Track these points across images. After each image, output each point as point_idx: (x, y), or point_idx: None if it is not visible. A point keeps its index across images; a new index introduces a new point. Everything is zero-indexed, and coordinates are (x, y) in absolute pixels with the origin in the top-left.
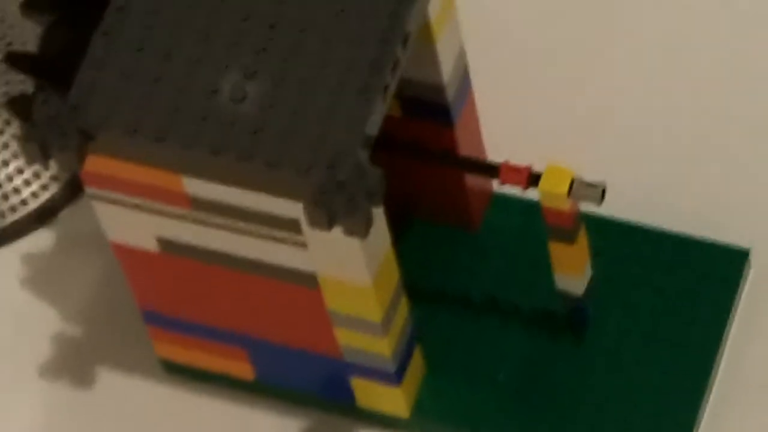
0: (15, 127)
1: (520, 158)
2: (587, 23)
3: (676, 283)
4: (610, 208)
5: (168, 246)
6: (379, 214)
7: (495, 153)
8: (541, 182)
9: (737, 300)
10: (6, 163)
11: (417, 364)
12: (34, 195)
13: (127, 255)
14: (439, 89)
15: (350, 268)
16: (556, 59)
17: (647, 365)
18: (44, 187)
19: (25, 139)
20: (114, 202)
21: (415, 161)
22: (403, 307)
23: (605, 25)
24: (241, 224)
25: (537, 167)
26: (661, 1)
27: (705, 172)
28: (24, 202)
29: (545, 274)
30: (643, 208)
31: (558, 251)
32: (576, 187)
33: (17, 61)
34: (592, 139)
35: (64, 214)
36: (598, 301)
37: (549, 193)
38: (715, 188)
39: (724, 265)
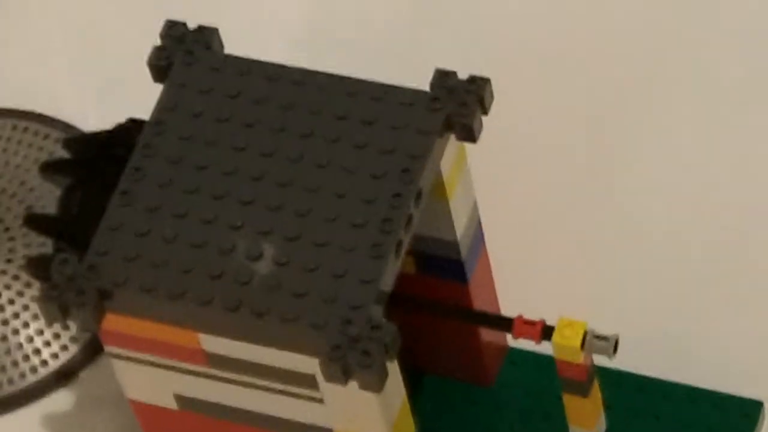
0: (35, 289)
1: (529, 308)
2: (596, 178)
3: None
4: (622, 361)
5: (186, 403)
6: (393, 368)
7: (505, 303)
8: (554, 335)
9: None
10: (26, 324)
11: None
12: (54, 356)
13: (146, 413)
14: (452, 245)
15: (366, 423)
16: (565, 211)
17: None
18: (64, 348)
19: (44, 300)
20: (132, 359)
21: (429, 316)
22: None
23: (614, 177)
24: (258, 380)
25: (549, 318)
26: (663, 154)
27: (716, 324)
28: (44, 363)
29: (560, 427)
30: (655, 359)
31: (572, 404)
32: (589, 340)
33: (37, 223)
34: (603, 290)
35: (85, 375)
36: None
37: (562, 347)
38: (728, 340)
39: (737, 418)
